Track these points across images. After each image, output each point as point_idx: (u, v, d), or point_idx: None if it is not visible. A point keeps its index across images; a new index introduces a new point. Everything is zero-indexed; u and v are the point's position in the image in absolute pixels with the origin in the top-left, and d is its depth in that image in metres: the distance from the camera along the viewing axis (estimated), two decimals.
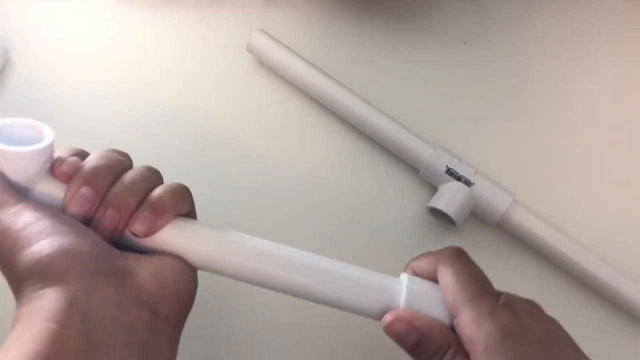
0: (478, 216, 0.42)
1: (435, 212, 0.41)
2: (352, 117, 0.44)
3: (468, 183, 0.41)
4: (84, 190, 0.27)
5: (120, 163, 0.29)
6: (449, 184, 0.41)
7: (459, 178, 0.41)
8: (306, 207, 0.44)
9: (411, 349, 0.28)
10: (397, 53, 0.49)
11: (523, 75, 0.48)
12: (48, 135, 0.27)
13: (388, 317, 0.29)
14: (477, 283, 0.29)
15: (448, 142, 0.43)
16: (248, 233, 0.32)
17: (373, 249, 0.43)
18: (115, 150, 0.30)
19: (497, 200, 0.40)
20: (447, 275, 0.29)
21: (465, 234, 0.43)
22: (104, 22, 0.50)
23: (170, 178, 0.44)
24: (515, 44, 0.49)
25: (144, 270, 0.26)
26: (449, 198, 0.40)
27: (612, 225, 0.43)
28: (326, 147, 0.46)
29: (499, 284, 0.42)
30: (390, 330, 0.28)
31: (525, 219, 0.41)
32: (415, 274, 0.32)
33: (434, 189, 0.43)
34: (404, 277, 0.31)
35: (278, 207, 0.44)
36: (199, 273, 0.30)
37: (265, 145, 0.46)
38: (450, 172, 0.41)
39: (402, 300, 0.29)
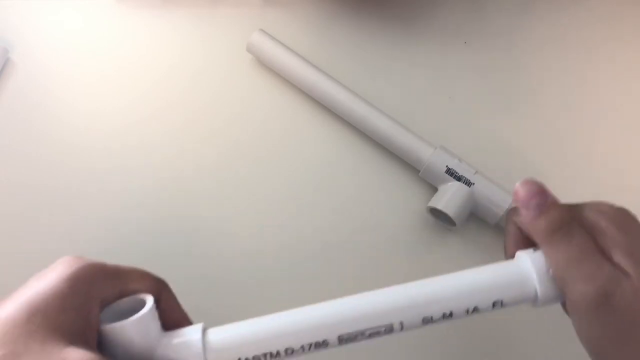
0: (478, 216, 0.42)
1: (435, 212, 0.41)
2: (352, 117, 0.44)
3: (468, 183, 0.41)
4: None
5: None
6: (449, 184, 0.41)
7: (459, 178, 0.41)
8: (306, 207, 0.44)
9: (534, 212, 0.27)
10: (397, 53, 0.49)
11: (523, 75, 0.48)
12: (148, 302, 0.27)
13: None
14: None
15: (448, 142, 0.43)
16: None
17: (373, 249, 0.43)
18: None
19: (497, 200, 0.40)
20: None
21: (465, 234, 0.43)
22: (104, 22, 0.50)
23: (170, 177, 0.45)
24: (515, 43, 0.49)
25: None
26: (449, 198, 0.40)
27: None
28: (326, 147, 0.46)
29: None
30: (519, 192, 0.28)
31: None
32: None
33: (434, 189, 0.43)
34: (525, 258, 0.28)
35: (277, 207, 0.44)
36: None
37: (265, 145, 0.46)
38: (450, 172, 0.41)
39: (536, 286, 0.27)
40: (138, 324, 0.26)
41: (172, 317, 0.29)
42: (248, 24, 0.48)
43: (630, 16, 0.49)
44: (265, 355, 0.26)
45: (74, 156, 0.45)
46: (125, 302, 0.27)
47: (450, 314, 0.27)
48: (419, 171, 0.43)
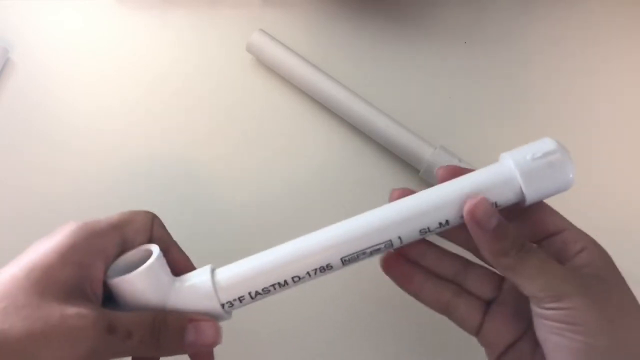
0: None
1: None
2: (352, 117, 0.44)
3: None
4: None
5: None
6: None
7: None
8: (305, 207, 0.44)
9: (490, 235, 0.26)
10: (397, 53, 0.49)
11: (523, 75, 0.48)
12: (155, 251, 0.27)
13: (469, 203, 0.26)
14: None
15: (448, 142, 0.43)
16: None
17: None
18: None
19: None
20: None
21: None
22: (104, 22, 0.50)
23: (168, 177, 0.44)
24: (515, 43, 0.49)
25: None
26: None
27: (612, 226, 0.43)
28: (326, 147, 0.46)
29: None
30: (470, 214, 0.26)
31: None
32: None
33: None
34: (507, 160, 0.28)
35: (277, 207, 0.44)
36: None
37: (264, 145, 0.46)
38: None
39: (522, 186, 0.26)
40: (147, 273, 0.26)
41: (164, 243, 0.29)
42: (248, 24, 0.48)
43: (630, 16, 0.49)
44: (274, 285, 0.27)
45: (74, 156, 0.45)
46: (132, 254, 0.28)
47: (447, 222, 0.27)
48: (419, 171, 0.43)
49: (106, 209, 0.44)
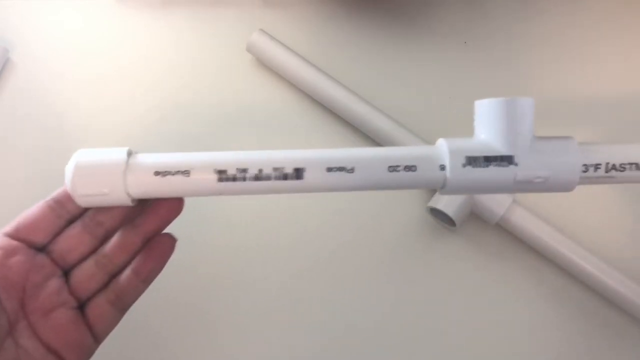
0: (478, 216, 0.42)
1: (435, 212, 0.41)
2: (352, 117, 0.44)
3: None
4: None
5: None
6: None
7: None
8: (305, 207, 0.44)
9: None
10: (397, 53, 0.49)
11: (523, 75, 0.48)
12: None
13: None
14: None
15: None
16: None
17: (373, 249, 0.43)
18: None
19: (496, 200, 0.40)
20: None
21: (465, 234, 0.43)
22: (104, 22, 0.50)
23: None
24: (515, 43, 0.49)
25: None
26: (449, 198, 0.40)
27: (610, 224, 0.43)
28: (326, 147, 0.46)
29: (499, 284, 0.42)
30: None
31: (524, 219, 0.41)
32: None
33: (434, 189, 0.43)
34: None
35: (277, 207, 0.44)
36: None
37: (265, 145, 0.46)
38: None
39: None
40: None
41: None
42: (248, 24, 0.48)
43: (630, 15, 0.49)
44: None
45: None
46: None
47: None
48: None
49: None
